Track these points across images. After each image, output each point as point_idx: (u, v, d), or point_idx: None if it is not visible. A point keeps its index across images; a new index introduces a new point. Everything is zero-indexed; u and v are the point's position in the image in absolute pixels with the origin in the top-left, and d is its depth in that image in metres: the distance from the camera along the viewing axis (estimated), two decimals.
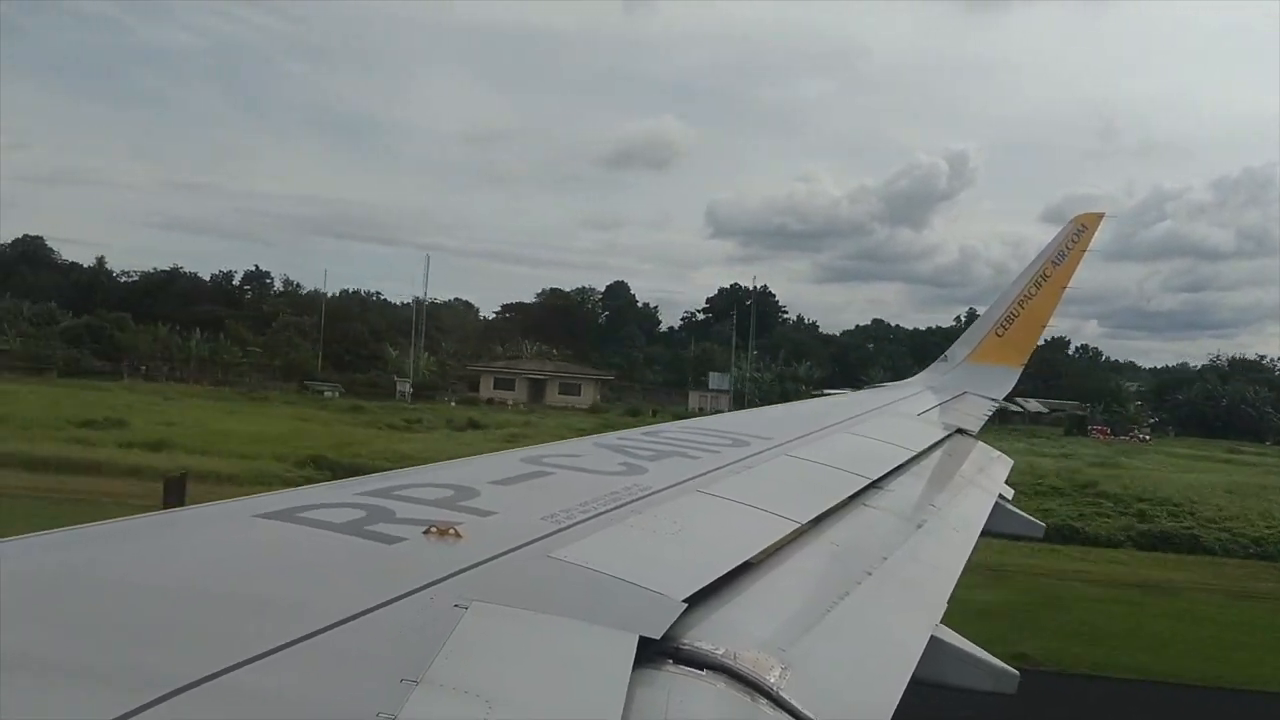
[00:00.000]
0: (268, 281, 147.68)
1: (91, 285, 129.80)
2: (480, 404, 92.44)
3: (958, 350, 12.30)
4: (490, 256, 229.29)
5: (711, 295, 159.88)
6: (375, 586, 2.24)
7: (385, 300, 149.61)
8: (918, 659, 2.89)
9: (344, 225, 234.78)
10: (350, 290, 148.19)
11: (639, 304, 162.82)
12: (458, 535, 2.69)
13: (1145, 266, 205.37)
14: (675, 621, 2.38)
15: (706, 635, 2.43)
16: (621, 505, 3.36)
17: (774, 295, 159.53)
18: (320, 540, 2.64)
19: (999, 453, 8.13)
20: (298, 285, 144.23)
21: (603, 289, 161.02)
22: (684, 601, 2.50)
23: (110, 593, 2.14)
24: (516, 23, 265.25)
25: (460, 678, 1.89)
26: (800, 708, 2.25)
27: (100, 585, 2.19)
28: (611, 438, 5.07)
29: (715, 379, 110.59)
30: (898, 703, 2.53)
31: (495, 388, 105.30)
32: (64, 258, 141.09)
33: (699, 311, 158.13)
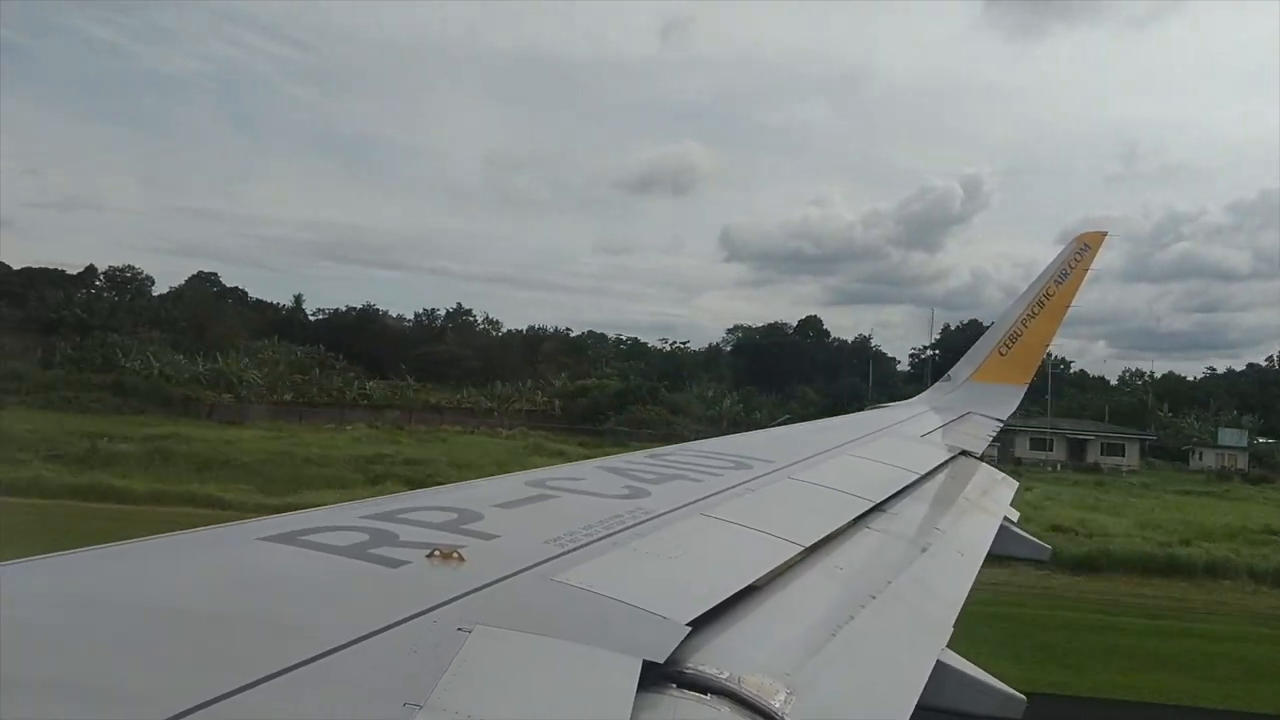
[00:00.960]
0: (470, 319, 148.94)
1: (289, 323, 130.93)
2: (1020, 465, 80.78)
3: (961, 369, 12.28)
4: (495, 280, 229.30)
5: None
6: (379, 610, 2.24)
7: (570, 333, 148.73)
8: (923, 684, 2.88)
9: (348, 249, 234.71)
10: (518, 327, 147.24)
11: (830, 339, 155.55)
12: (461, 558, 2.69)
13: (1158, 287, 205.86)
14: (679, 645, 2.37)
15: (710, 659, 2.42)
16: (625, 528, 3.36)
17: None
18: (323, 563, 2.64)
19: (1004, 475, 8.11)
20: (498, 322, 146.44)
21: (729, 325, 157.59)
22: (688, 625, 2.49)
23: (112, 616, 2.14)
24: (536, 48, 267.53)
25: (464, 702, 1.89)
26: None
27: (102, 608, 2.19)
28: (615, 460, 5.06)
29: (1231, 435, 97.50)
30: None
31: (1031, 448, 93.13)
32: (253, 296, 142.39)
33: (927, 348, 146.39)
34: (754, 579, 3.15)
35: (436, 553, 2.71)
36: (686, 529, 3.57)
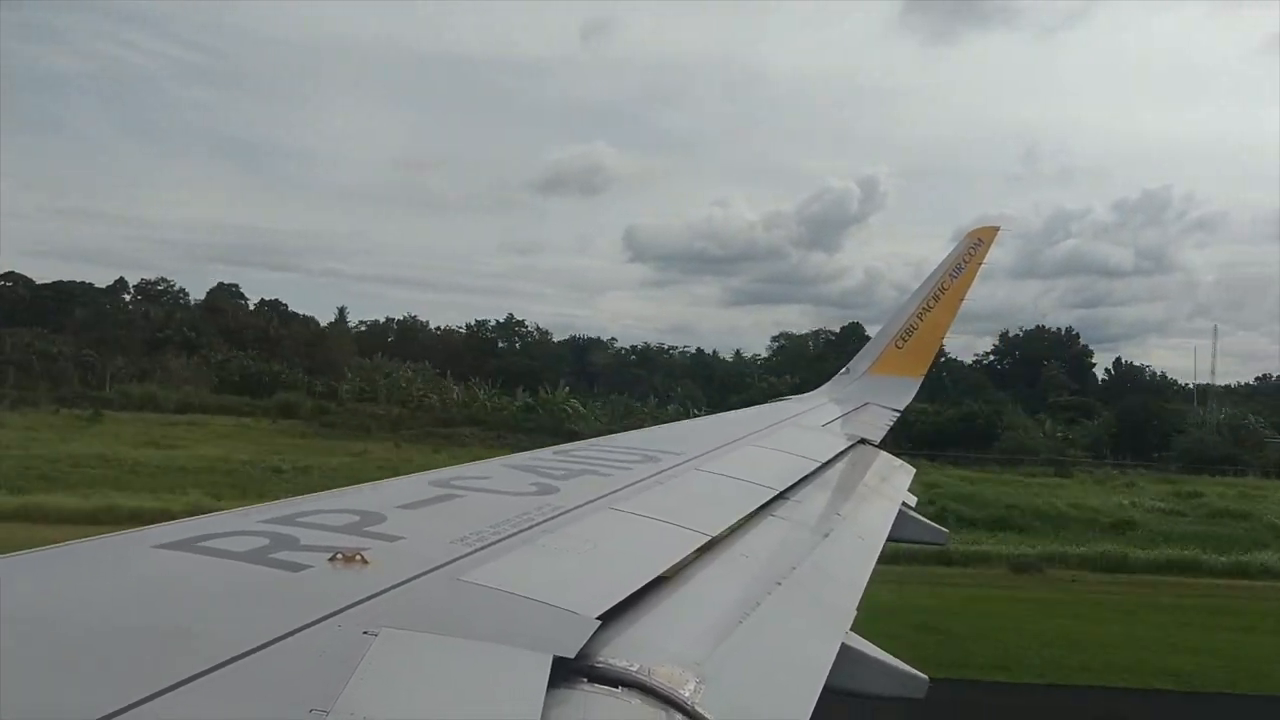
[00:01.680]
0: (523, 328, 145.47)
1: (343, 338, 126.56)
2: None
3: (859, 363, 12.56)
4: (390, 281, 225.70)
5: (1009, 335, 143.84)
6: (281, 616, 2.19)
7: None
8: (829, 667, 2.94)
9: (243, 253, 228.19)
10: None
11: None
12: (364, 561, 2.65)
13: (1047, 283, 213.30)
14: (589, 640, 2.38)
15: (621, 652, 2.43)
16: (533, 525, 3.35)
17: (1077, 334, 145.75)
18: (222, 570, 2.57)
19: (901, 461, 8.33)
20: (545, 330, 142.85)
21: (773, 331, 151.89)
22: (598, 619, 2.50)
23: None
24: (442, 50, 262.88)
25: (371, 706, 1.86)
26: None
27: None
28: (522, 458, 5.05)
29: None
30: (811, 711, 2.57)
31: None
32: None
33: (990, 354, 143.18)
34: (663, 570, 3.18)
35: (339, 556, 2.66)
36: (595, 524, 3.57)
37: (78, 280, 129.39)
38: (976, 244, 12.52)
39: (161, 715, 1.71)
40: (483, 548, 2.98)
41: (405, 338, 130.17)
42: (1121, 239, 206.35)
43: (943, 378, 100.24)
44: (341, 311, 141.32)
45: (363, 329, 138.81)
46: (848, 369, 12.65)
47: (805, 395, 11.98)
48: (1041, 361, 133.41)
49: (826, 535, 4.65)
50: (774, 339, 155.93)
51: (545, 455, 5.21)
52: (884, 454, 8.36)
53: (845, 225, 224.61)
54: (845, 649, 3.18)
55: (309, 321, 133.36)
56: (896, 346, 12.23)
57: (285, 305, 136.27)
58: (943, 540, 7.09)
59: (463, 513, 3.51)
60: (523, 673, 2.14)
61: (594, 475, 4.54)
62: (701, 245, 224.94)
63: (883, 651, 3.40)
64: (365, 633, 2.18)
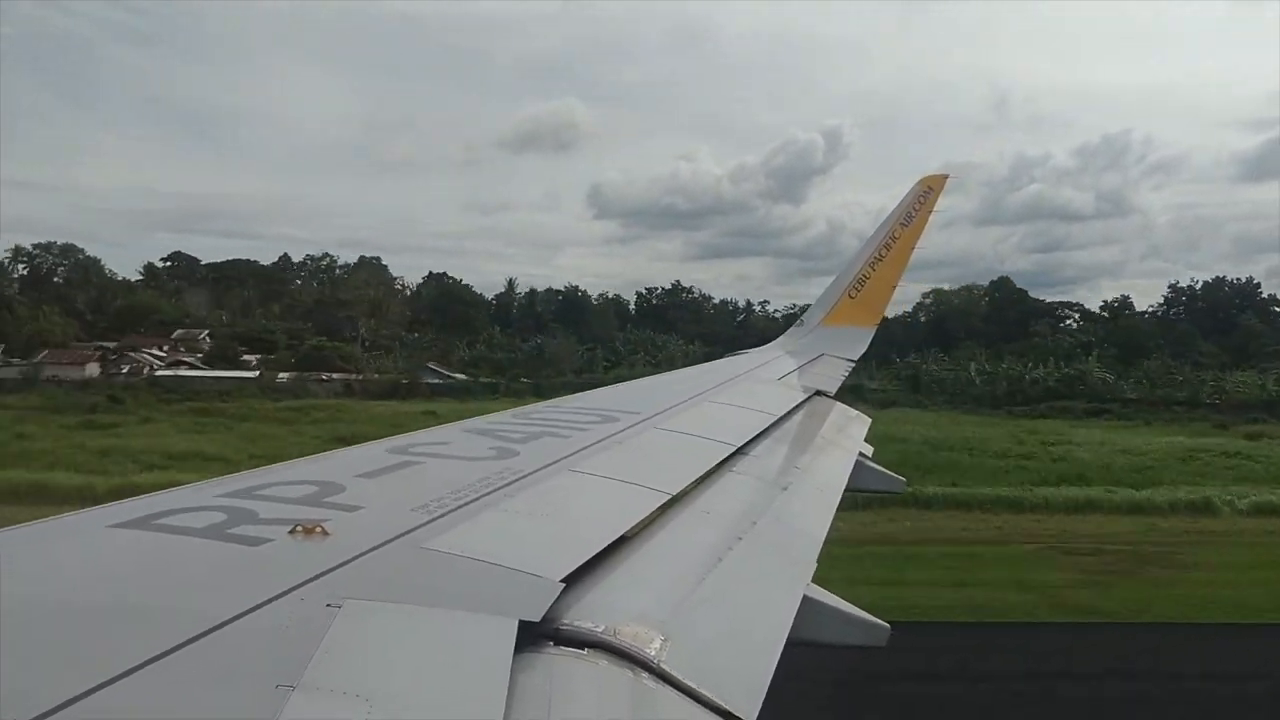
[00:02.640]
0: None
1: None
2: None
3: (813, 314, 12.61)
4: (344, 245, 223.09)
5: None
6: (242, 591, 2.18)
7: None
8: (792, 619, 2.98)
9: (189, 220, 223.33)
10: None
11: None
12: (325, 533, 2.64)
13: (1009, 230, 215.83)
14: (554, 603, 2.39)
15: (586, 614, 2.45)
16: (494, 490, 3.35)
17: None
18: (180, 547, 2.54)
19: (857, 412, 8.41)
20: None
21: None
22: (561, 582, 2.52)
23: None
24: (398, 8, 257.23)
25: (338, 678, 1.86)
26: (681, 678, 2.29)
27: None
28: (480, 422, 5.03)
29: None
30: (776, 663, 2.60)
31: None
32: None
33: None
34: (625, 530, 3.19)
35: (299, 528, 2.65)
36: (556, 486, 3.58)
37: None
38: (926, 192, 12.53)
39: (123, 698, 1.70)
40: (444, 515, 2.98)
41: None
42: (1083, 184, 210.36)
43: None
44: None
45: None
46: (802, 321, 12.70)
47: (761, 348, 12.03)
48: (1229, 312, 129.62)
49: (786, 488, 4.70)
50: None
51: (503, 418, 5.20)
52: (840, 405, 8.43)
53: (810, 176, 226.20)
54: (807, 600, 3.22)
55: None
56: (849, 297, 12.27)
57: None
58: (900, 488, 7.18)
59: (422, 480, 3.49)
60: (489, 638, 2.15)
61: (553, 437, 4.54)
62: (669, 200, 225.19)
63: (844, 601, 3.45)
64: (329, 605, 2.17)
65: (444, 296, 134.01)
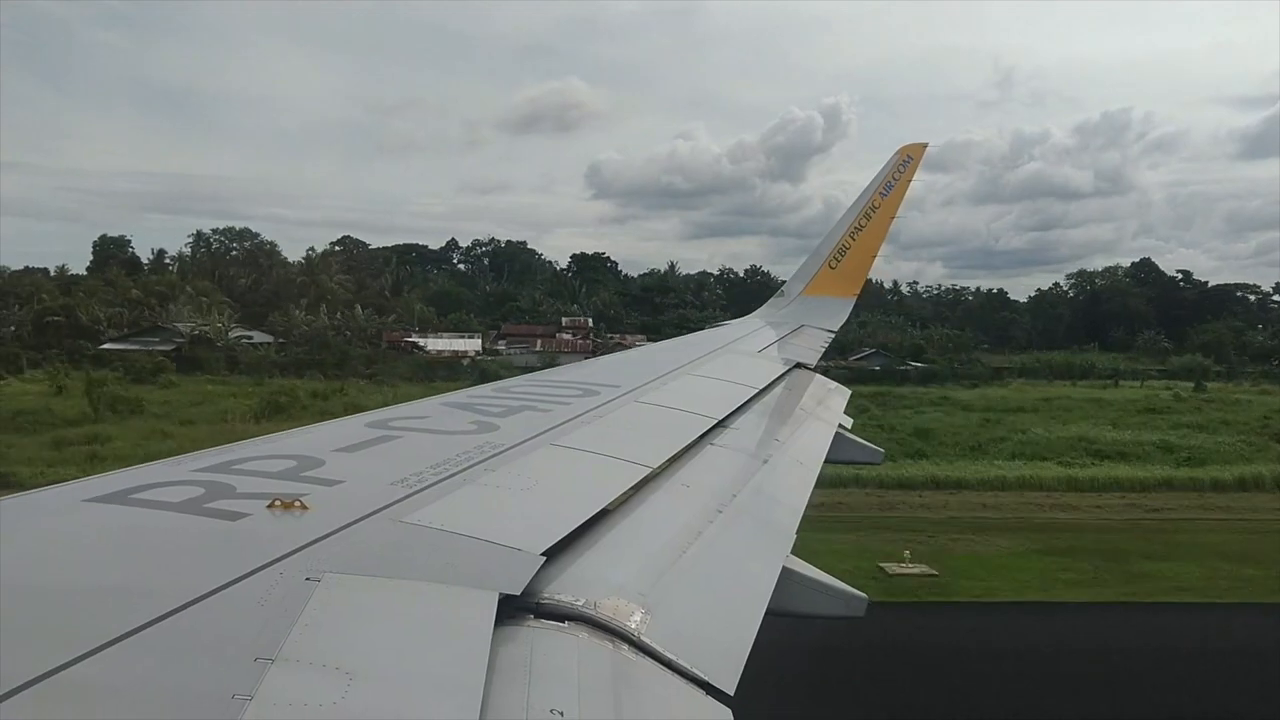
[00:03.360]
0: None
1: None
2: None
3: (793, 285, 12.56)
4: (333, 225, 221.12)
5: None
6: (221, 565, 2.17)
7: None
8: (771, 591, 2.99)
9: (180, 200, 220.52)
10: None
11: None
12: (304, 507, 2.62)
13: (1007, 208, 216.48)
14: (535, 576, 2.39)
15: (567, 587, 2.45)
16: (474, 464, 3.34)
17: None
18: (158, 521, 2.53)
19: (836, 384, 8.43)
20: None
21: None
22: (542, 555, 2.51)
23: None
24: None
25: (317, 652, 1.86)
26: (662, 650, 2.30)
27: None
28: (460, 396, 5.01)
29: None
30: (755, 635, 2.62)
31: None
32: None
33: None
34: (606, 504, 3.19)
35: (277, 502, 2.64)
36: (537, 460, 3.57)
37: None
38: (905, 161, 12.47)
39: (103, 670, 1.69)
40: (424, 488, 2.97)
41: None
42: (1082, 162, 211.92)
43: None
44: None
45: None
46: (783, 291, 12.67)
47: (743, 320, 12.02)
48: None
49: (766, 461, 4.71)
50: None
51: (483, 392, 5.18)
52: (819, 377, 8.44)
53: (809, 155, 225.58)
54: (786, 572, 3.24)
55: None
56: (830, 267, 12.22)
57: None
58: (878, 460, 7.21)
59: (402, 454, 3.48)
60: (469, 611, 2.15)
61: (533, 411, 4.53)
62: (668, 179, 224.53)
63: (823, 573, 3.48)
64: (308, 579, 2.16)
65: None
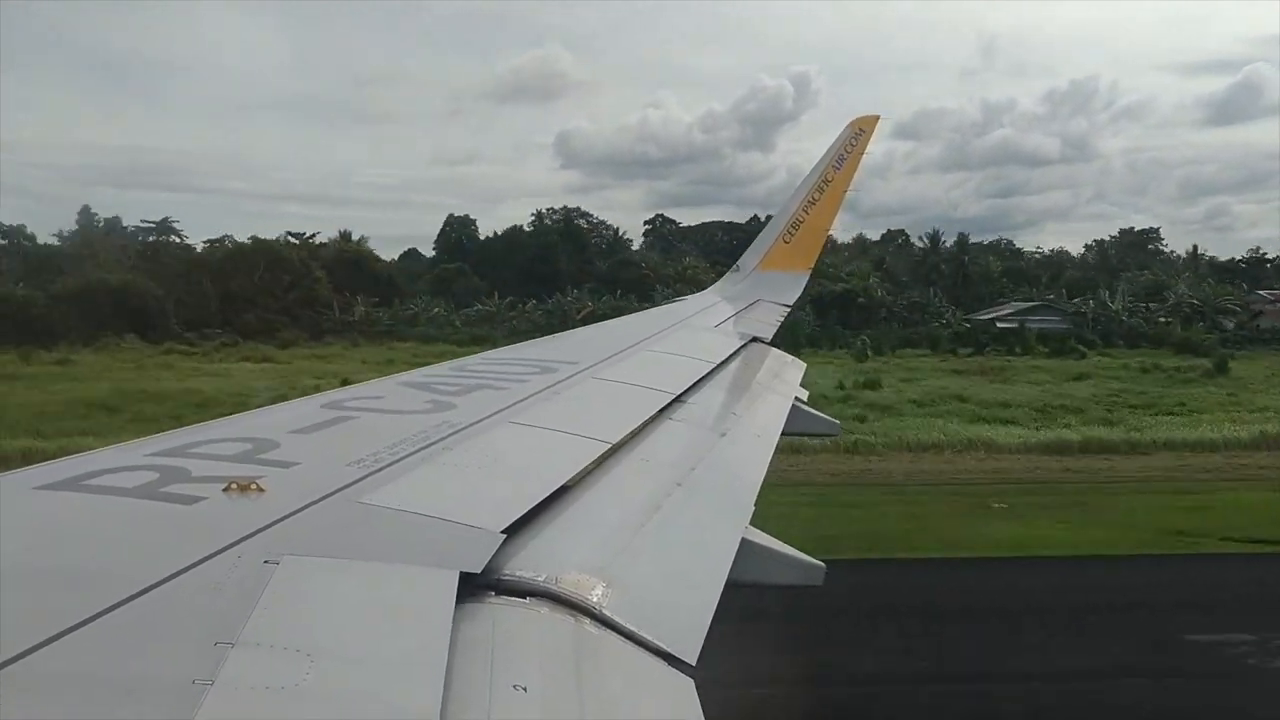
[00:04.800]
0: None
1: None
2: None
3: (748, 259, 12.61)
4: (281, 198, 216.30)
5: None
6: (177, 550, 2.15)
7: None
8: (730, 562, 3.02)
9: (132, 174, 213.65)
10: None
11: None
12: (260, 490, 2.61)
13: (970, 174, 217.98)
14: (495, 554, 2.40)
15: (527, 564, 2.46)
16: (431, 444, 3.33)
17: None
18: (111, 507, 2.50)
19: (792, 358, 8.51)
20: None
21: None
22: (503, 533, 2.52)
23: None
24: None
25: (278, 634, 1.85)
26: (624, 623, 2.32)
27: None
28: (416, 375, 4.99)
29: None
30: (715, 606, 2.65)
31: None
32: None
33: None
34: (565, 480, 3.21)
35: (233, 485, 2.62)
36: (495, 438, 3.57)
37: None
38: (858, 134, 12.53)
39: (60, 658, 1.67)
40: (381, 469, 2.96)
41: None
42: (1050, 129, 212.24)
43: None
44: None
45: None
46: (738, 266, 12.72)
47: (698, 295, 12.07)
48: None
49: (723, 435, 4.75)
50: None
51: (440, 371, 5.16)
52: (775, 351, 8.52)
53: (780, 124, 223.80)
54: (745, 543, 3.27)
55: None
56: (784, 241, 12.28)
57: None
58: (835, 432, 7.30)
59: (358, 434, 3.46)
60: (430, 591, 2.15)
61: (490, 390, 4.52)
62: (641, 148, 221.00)
63: (781, 543, 3.52)
64: (266, 561, 2.15)
65: None
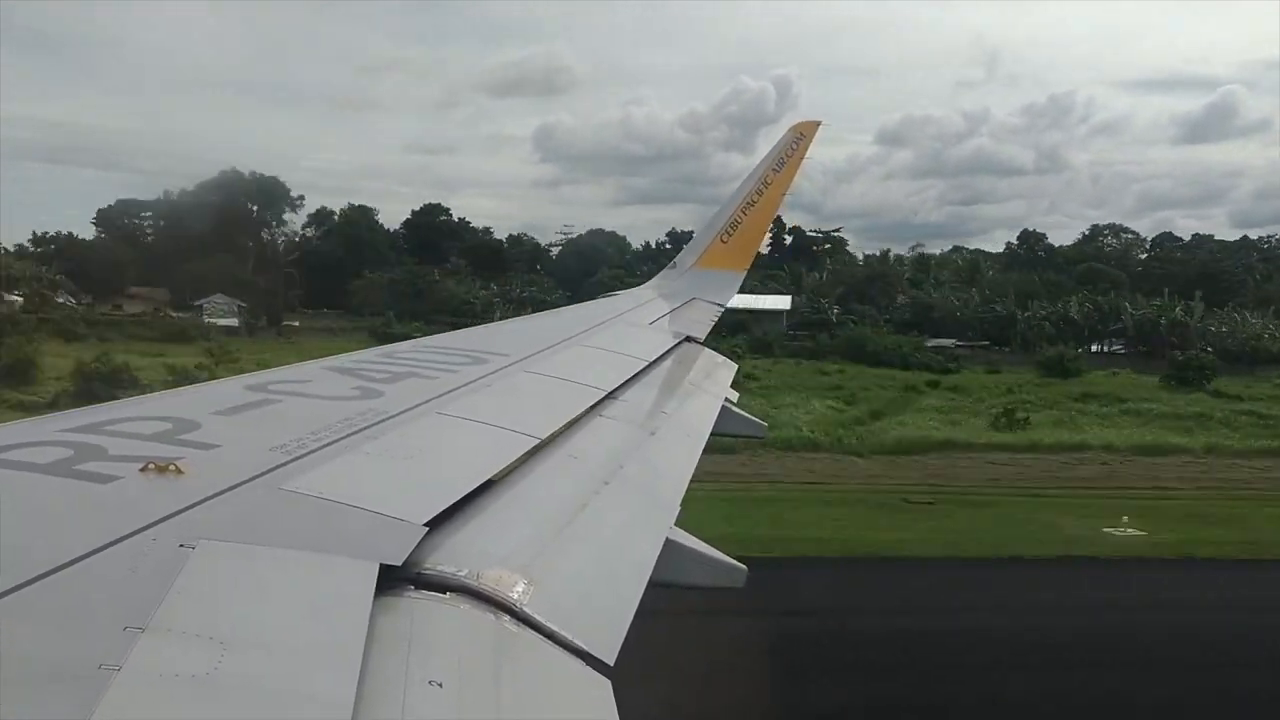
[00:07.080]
0: None
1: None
2: None
3: (685, 257, 12.67)
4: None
5: None
6: (90, 530, 2.10)
7: None
8: (654, 562, 3.04)
9: (66, 152, 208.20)
10: None
11: None
12: (179, 471, 2.56)
13: (935, 182, 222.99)
14: (416, 546, 2.38)
15: (449, 558, 2.45)
16: (356, 431, 3.29)
17: None
18: (22, 482, 2.43)
19: (724, 358, 8.56)
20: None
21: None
22: (425, 525, 2.51)
23: None
24: None
25: (190, 621, 1.82)
26: (544, 621, 2.32)
27: None
28: (344, 360, 4.92)
29: None
30: (636, 605, 2.66)
31: None
32: None
33: None
34: (491, 475, 3.19)
35: (151, 466, 2.56)
36: (421, 429, 3.54)
37: None
38: (799, 138, 12.66)
39: None
40: (304, 455, 2.92)
41: None
42: (1027, 141, 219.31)
43: None
44: None
45: None
46: (674, 263, 12.76)
47: (634, 290, 12.07)
48: None
49: (653, 433, 4.76)
50: None
51: (368, 357, 5.10)
52: (708, 351, 8.57)
53: (760, 126, 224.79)
54: (670, 544, 3.29)
55: None
56: (722, 241, 12.36)
57: None
58: (761, 434, 7.36)
59: (282, 419, 3.41)
60: (348, 582, 2.13)
61: (419, 378, 4.48)
62: (620, 145, 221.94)
63: (705, 544, 3.54)
64: (181, 545, 2.12)
65: None
